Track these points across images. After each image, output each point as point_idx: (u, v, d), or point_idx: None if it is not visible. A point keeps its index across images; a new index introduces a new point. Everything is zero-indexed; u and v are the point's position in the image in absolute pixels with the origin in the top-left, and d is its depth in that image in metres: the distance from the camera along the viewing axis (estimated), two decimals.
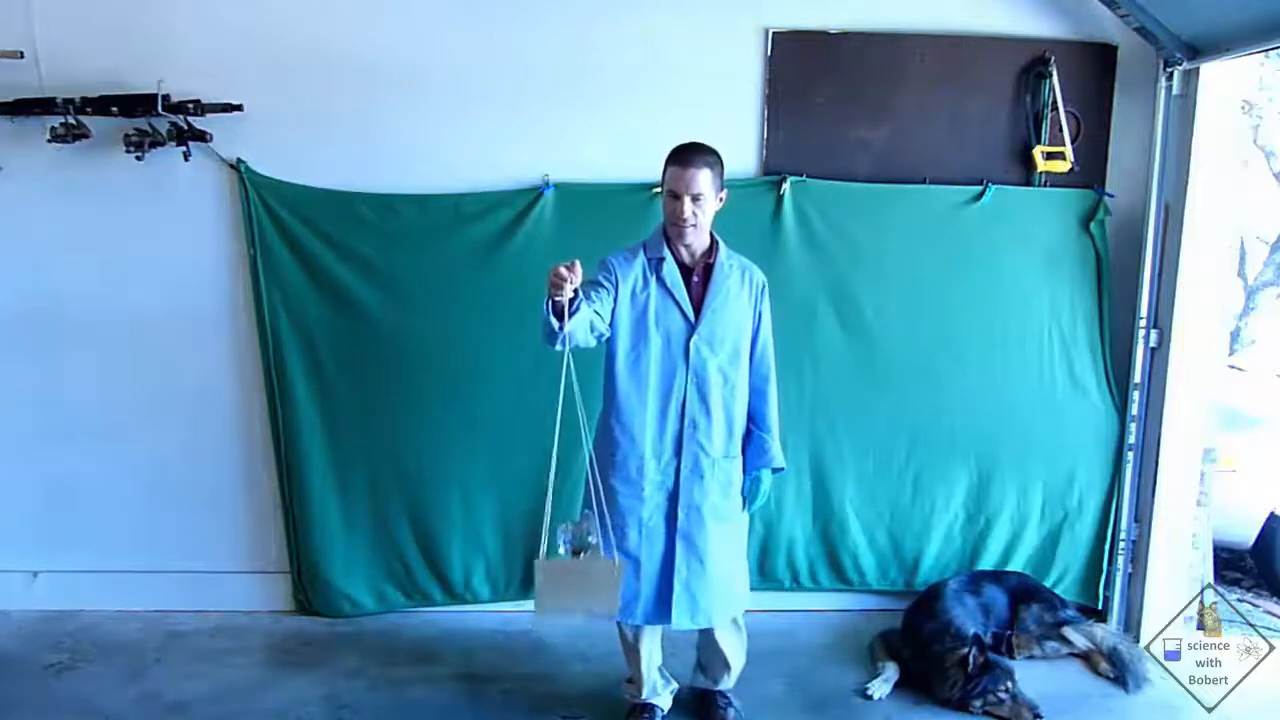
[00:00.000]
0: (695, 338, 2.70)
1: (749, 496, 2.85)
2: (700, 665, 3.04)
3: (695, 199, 2.62)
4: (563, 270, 2.34)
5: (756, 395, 2.83)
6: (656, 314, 2.70)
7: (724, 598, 2.80)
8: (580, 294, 2.43)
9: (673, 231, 2.69)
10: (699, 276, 2.73)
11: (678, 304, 2.70)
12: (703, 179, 2.61)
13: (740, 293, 2.75)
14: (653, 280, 2.70)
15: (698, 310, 2.70)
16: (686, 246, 2.72)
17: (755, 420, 2.83)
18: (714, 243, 2.77)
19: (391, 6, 3.38)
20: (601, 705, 3.08)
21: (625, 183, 3.46)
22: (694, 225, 2.65)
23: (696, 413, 2.71)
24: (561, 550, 2.52)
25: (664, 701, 3.01)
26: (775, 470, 2.88)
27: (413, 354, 3.49)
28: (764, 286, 2.82)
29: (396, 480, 3.56)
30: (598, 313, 2.59)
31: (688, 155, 2.62)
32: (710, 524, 2.74)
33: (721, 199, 2.70)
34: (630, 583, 2.69)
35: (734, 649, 2.94)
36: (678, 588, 2.72)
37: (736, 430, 2.79)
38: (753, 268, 2.82)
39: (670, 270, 2.70)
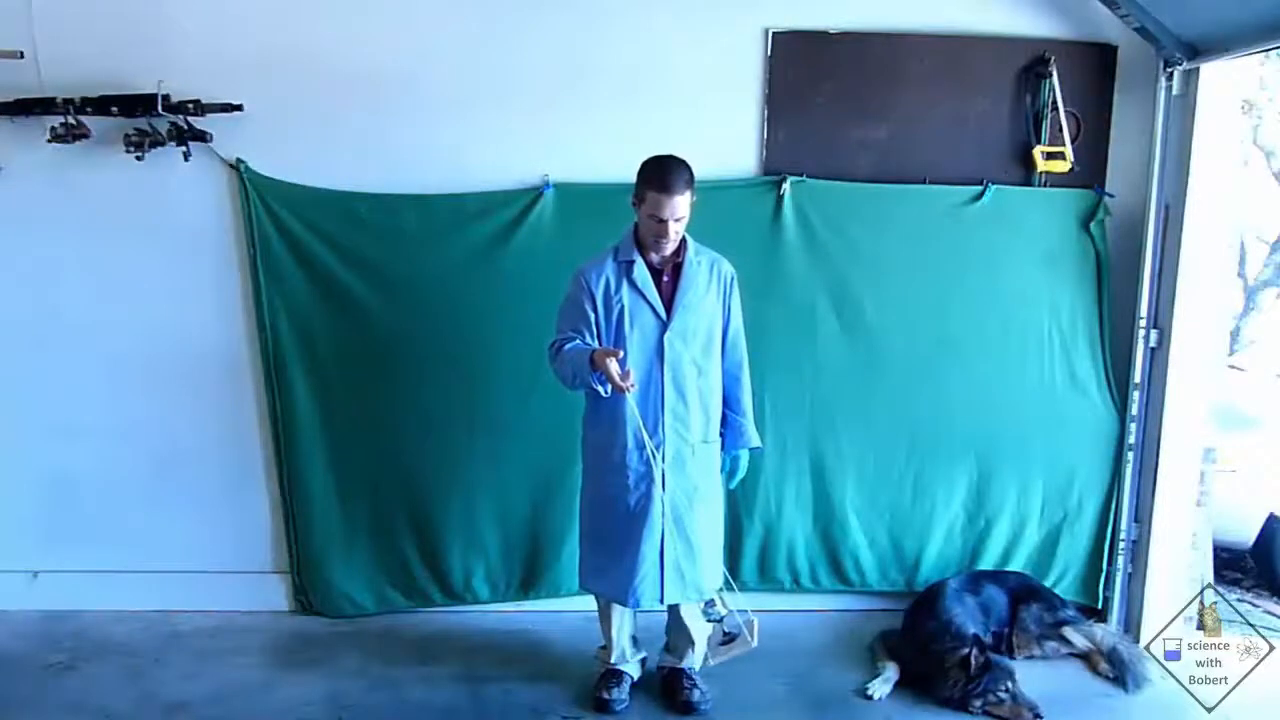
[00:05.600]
0: (669, 333, 2.85)
1: (729, 475, 3.05)
2: (667, 646, 3.13)
3: (678, 220, 2.76)
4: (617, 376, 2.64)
5: (731, 381, 3.00)
6: (631, 314, 2.84)
7: (710, 572, 2.97)
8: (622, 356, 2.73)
9: (650, 244, 2.83)
10: (669, 275, 2.88)
11: (650, 303, 2.85)
12: (682, 203, 2.75)
13: (710, 286, 2.90)
14: (625, 282, 2.85)
15: (669, 307, 2.85)
16: (659, 252, 2.85)
17: (730, 405, 3.01)
18: (683, 241, 2.88)
19: (392, 6, 3.38)
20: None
21: (625, 183, 3.40)
22: (671, 240, 2.80)
23: (674, 403, 2.86)
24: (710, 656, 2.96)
25: (632, 669, 3.12)
26: (753, 450, 3.08)
27: (413, 354, 3.49)
28: (733, 278, 2.95)
29: (396, 480, 3.55)
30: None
31: (669, 181, 2.73)
32: (697, 506, 2.91)
33: (691, 203, 2.80)
34: (625, 568, 2.86)
35: (700, 627, 3.03)
36: (668, 569, 2.86)
37: (713, 416, 2.96)
38: (721, 260, 2.95)
39: (640, 272, 2.85)
